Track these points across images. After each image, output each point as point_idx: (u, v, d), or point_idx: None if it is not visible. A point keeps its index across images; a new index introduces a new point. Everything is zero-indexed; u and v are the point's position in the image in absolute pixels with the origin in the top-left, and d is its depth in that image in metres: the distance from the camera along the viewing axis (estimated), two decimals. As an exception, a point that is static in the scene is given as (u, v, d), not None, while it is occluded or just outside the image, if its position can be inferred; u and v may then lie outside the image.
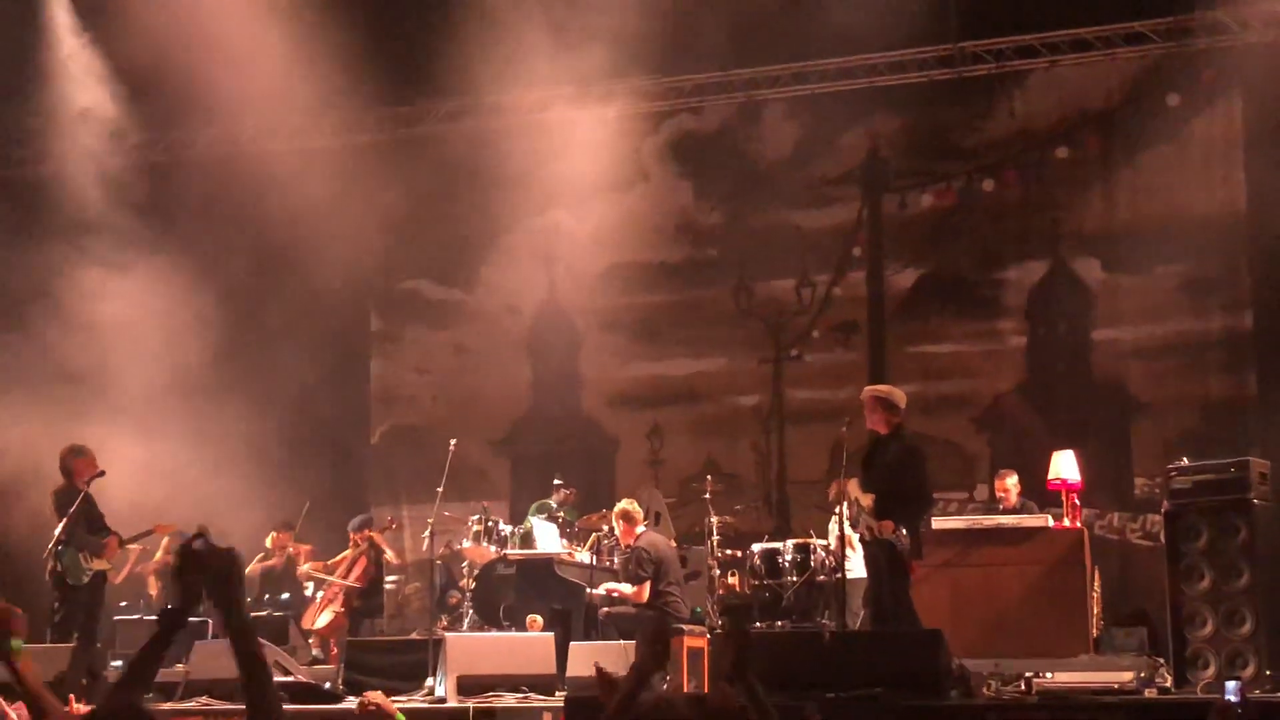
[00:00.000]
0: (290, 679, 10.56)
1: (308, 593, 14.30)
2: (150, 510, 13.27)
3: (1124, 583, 13.43)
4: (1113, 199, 14.51)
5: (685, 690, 10.28)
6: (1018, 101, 14.86)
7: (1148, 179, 14.35)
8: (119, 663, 12.81)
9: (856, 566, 11.57)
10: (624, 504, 12.27)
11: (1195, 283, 14.09)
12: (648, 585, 11.64)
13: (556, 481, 14.12)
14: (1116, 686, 9.57)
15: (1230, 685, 7.11)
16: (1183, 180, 14.21)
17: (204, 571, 3.97)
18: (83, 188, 15.67)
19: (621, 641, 10.72)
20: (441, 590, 13.90)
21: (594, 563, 12.45)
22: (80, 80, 15.44)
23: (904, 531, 10.01)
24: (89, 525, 11.87)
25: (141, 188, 15.81)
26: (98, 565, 11.85)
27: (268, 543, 14.51)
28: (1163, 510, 10.44)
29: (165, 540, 14.04)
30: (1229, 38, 14.01)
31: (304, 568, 14.20)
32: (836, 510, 12.43)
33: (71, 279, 15.16)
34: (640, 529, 12.11)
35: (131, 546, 12.84)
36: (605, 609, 11.79)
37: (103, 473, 12.00)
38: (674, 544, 12.58)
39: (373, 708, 5.85)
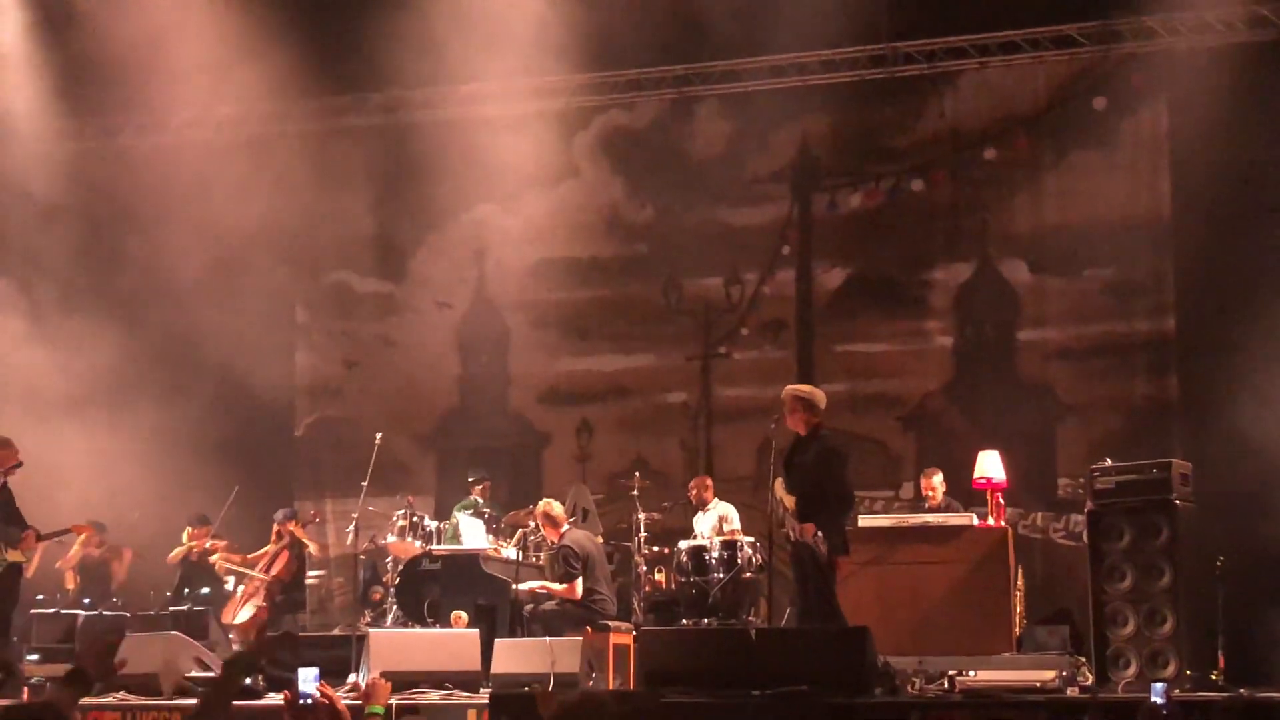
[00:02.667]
0: (211, 675, 10.43)
1: (228, 587, 14.12)
2: (71, 504, 13.09)
3: (1047, 582, 13.54)
4: (1040, 201, 14.62)
5: (610, 688, 10.26)
6: (948, 102, 14.92)
7: (1075, 182, 14.46)
8: (35, 656, 12.61)
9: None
10: (545, 504, 12.23)
11: (1121, 286, 14.22)
12: (579, 581, 11.60)
13: (471, 479, 14.09)
14: (1039, 685, 9.63)
15: (1157, 687, 7.16)
16: (1109, 184, 14.33)
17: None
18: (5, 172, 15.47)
19: (546, 638, 10.68)
20: (365, 585, 13.78)
21: (520, 559, 12.40)
22: (6, 59, 15.20)
23: (821, 536, 9.98)
24: (5, 516, 11.67)
25: (64, 176, 15.59)
26: (12, 557, 11.65)
27: (184, 537, 14.31)
28: (1086, 510, 10.54)
29: (81, 539, 13.84)
30: (1156, 43, 14.14)
31: (217, 558, 13.99)
32: (703, 510, 12.71)
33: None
34: (565, 528, 12.06)
35: (44, 543, 12.65)
36: (530, 605, 11.74)
37: (21, 464, 11.81)
38: (600, 540, 12.55)
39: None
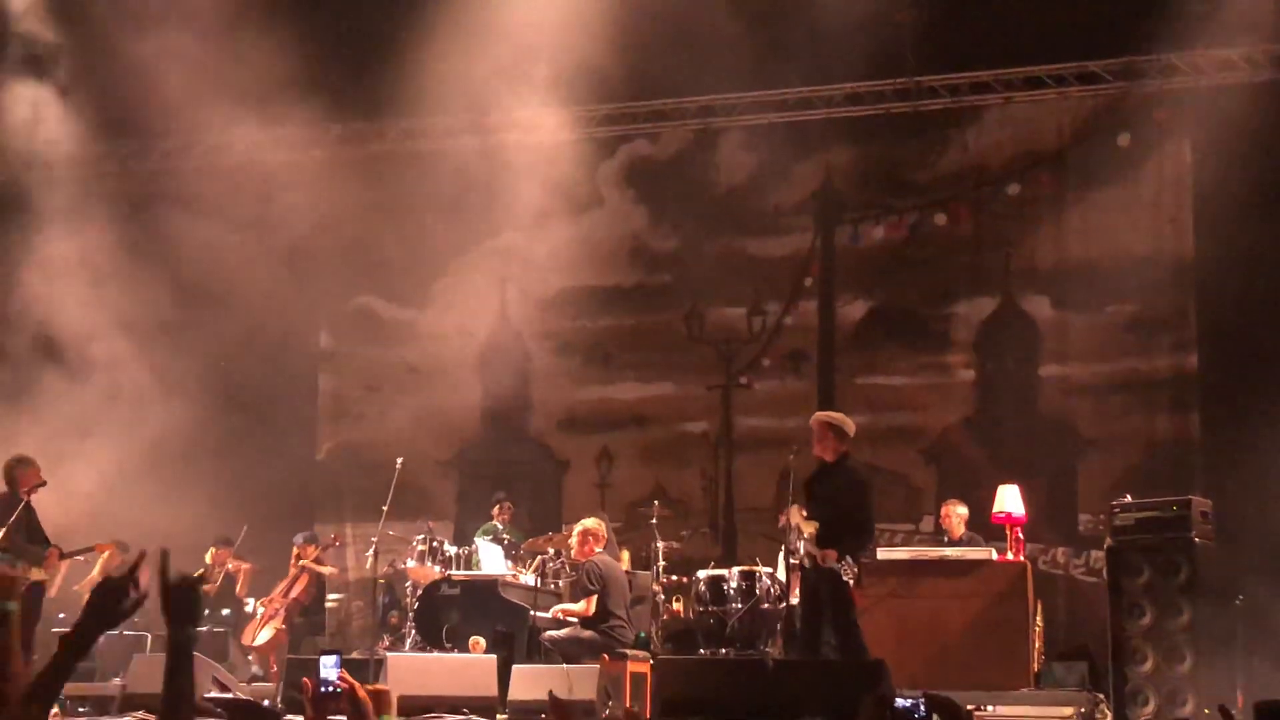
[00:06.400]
0: (229, 696, 10.46)
1: (248, 609, 14.19)
2: (89, 525, 13.14)
3: (1066, 618, 13.50)
4: (1063, 237, 14.63)
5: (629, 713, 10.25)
6: (971, 137, 14.97)
7: (1098, 218, 14.47)
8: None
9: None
10: (592, 522, 12.17)
11: (1143, 322, 14.21)
12: (594, 599, 11.58)
13: (498, 496, 14.13)
14: (1057, 721, 9.63)
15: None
16: (1132, 220, 14.35)
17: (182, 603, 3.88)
18: (34, 194, 15.60)
19: (564, 665, 10.69)
20: (384, 609, 13.81)
21: (538, 585, 12.41)
22: (35, 88, 15.34)
23: (849, 560, 9.99)
24: (29, 535, 11.74)
25: (92, 198, 15.70)
26: (35, 576, 11.71)
27: (207, 559, 14.37)
28: (1105, 546, 10.52)
29: (104, 558, 13.89)
30: (1181, 80, 14.18)
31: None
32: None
33: (13, 288, 15.04)
34: (598, 550, 12.03)
35: (68, 562, 12.70)
36: (549, 633, 11.73)
37: (44, 483, 11.88)
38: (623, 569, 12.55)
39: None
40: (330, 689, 4.63)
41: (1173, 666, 9.88)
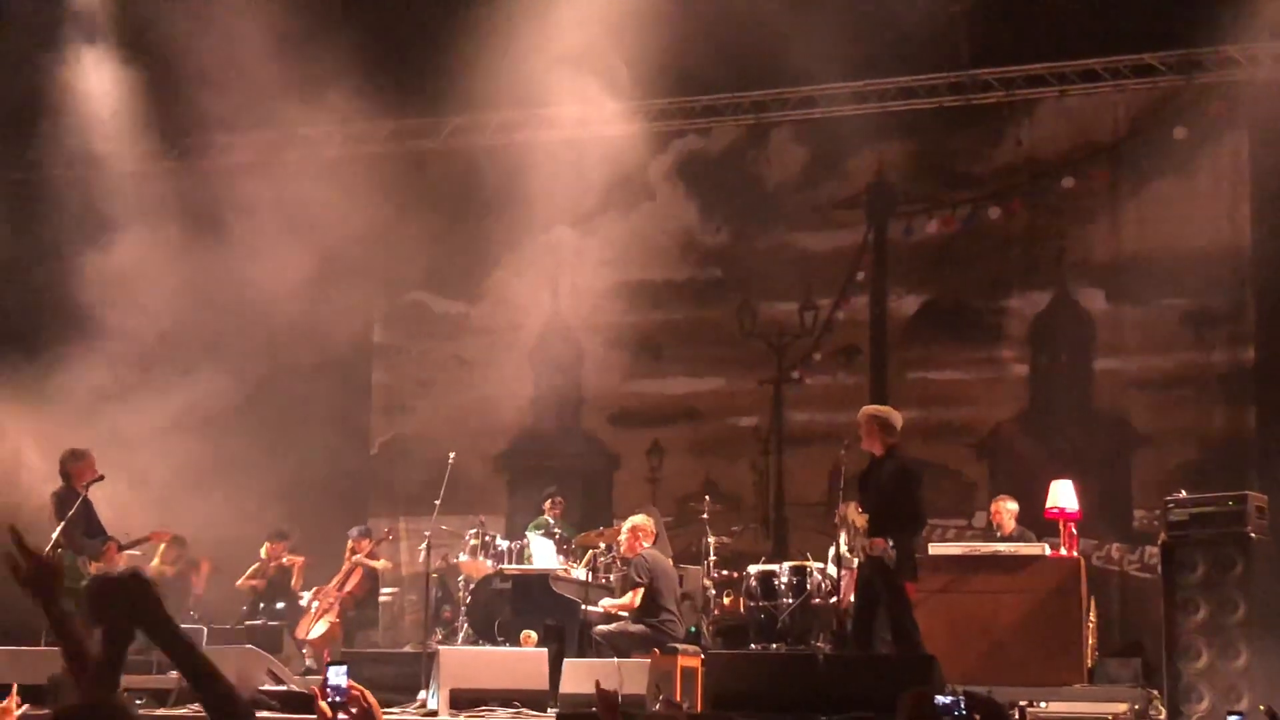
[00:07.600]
0: (284, 688, 10.55)
1: (302, 603, 14.30)
2: (146, 520, 13.28)
3: (1120, 614, 13.42)
4: (1118, 230, 14.53)
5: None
6: (1026, 130, 14.88)
7: (1153, 211, 14.36)
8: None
9: None
10: (639, 518, 12.22)
11: (1199, 316, 14.09)
12: (639, 592, 11.61)
13: (549, 491, 14.19)
14: (1110, 717, 9.59)
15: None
16: (1188, 213, 14.22)
17: (120, 605, 3.89)
18: (94, 193, 15.78)
19: (615, 659, 10.72)
20: (437, 603, 13.90)
21: (590, 579, 12.45)
22: (96, 82, 15.51)
23: (890, 544, 9.93)
24: (87, 529, 11.88)
25: (151, 195, 15.86)
26: (95, 569, 11.84)
27: (262, 553, 14.49)
28: (1159, 542, 10.45)
29: (162, 548, 14.04)
30: (1238, 72, 14.04)
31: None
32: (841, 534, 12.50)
33: (75, 287, 15.21)
34: (646, 544, 12.07)
35: (129, 553, 12.84)
36: (599, 627, 11.77)
37: (102, 477, 12.00)
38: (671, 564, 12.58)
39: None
40: (339, 698, 4.67)
41: (1228, 662, 9.80)
